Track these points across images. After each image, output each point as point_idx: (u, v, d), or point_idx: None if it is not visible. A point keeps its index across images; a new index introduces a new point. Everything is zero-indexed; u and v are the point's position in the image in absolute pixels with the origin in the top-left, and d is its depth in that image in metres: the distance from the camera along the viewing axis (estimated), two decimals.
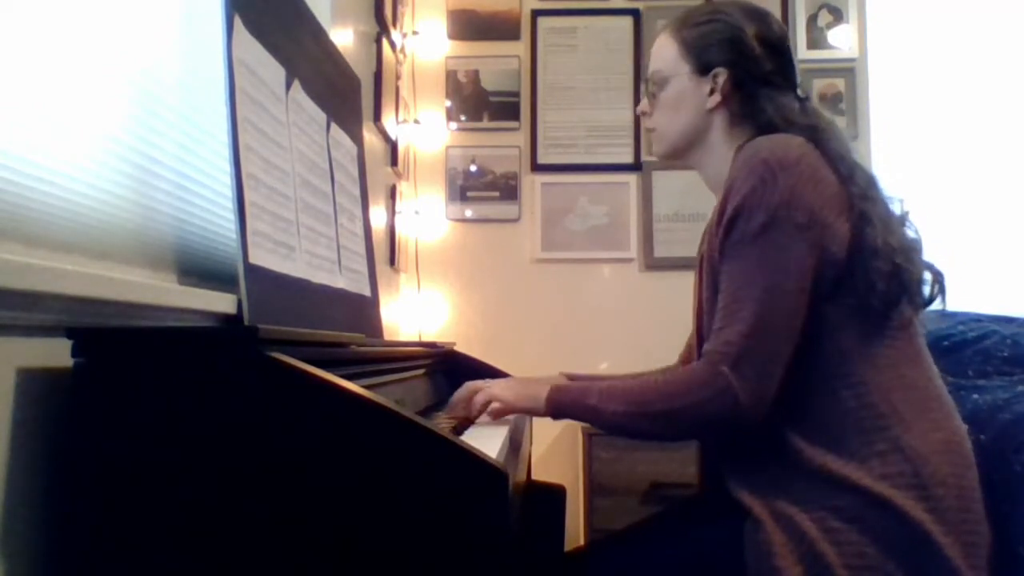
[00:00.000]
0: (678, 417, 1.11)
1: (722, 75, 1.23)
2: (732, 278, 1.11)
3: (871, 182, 1.16)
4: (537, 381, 1.28)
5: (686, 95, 1.26)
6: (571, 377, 1.47)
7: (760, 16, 1.27)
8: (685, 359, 1.48)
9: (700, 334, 1.28)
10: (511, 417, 1.37)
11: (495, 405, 1.26)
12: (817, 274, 1.10)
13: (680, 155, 1.31)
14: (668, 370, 1.46)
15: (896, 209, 1.17)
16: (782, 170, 1.10)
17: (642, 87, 1.34)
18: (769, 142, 1.15)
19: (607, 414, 1.14)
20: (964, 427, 1.14)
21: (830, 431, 1.10)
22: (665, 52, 1.29)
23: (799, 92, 1.26)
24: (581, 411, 1.18)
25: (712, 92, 1.24)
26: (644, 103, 1.33)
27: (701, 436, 1.28)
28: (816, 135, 1.17)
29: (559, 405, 1.20)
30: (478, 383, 1.32)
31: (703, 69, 1.25)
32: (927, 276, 1.16)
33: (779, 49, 1.25)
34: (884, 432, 1.08)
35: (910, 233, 1.17)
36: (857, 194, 1.12)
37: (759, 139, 1.17)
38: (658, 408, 1.12)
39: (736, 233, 1.11)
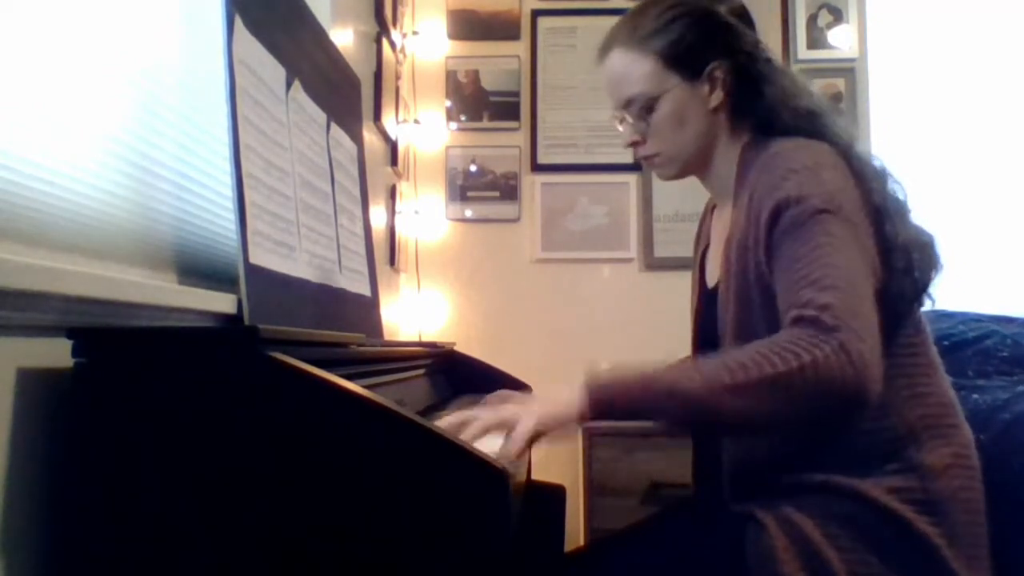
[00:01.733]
0: (794, 384, 0.90)
1: (719, 68, 1.15)
2: (800, 254, 0.99)
3: (882, 175, 1.12)
4: (563, 390, 1.01)
5: (686, 106, 1.16)
6: None
7: None
8: None
9: (699, 338, 1.26)
10: None
11: (526, 441, 0.97)
12: None
13: (692, 170, 1.22)
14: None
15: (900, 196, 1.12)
16: (823, 169, 1.05)
17: (619, 115, 1.20)
18: (797, 150, 1.08)
19: (692, 393, 0.92)
20: (971, 434, 1.12)
21: (845, 455, 1.06)
22: (636, 70, 1.16)
23: (764, 50, 1.18)
24: (647, 399, 0.95)
25: (712, 91, 1.15)
26: (630, 132, 1.19)
27: (817, 413, 0.97)
28: (819, 122, 1.12)
29: (606, 399, 0.97)
30: (506, 413, 1.00)
31: (694, 72, 1.15)
32: (922, 254, 1.10)
33: (747, 16, 1.18)
34: (898, 453, 1.06)
35: (916, 223, 1.12)
36: (876, 189, 1.08)
37: (782, 144, 1.10)
38: (770, 373, 0.90)
39: (787, 219, 1.01)
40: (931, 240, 1.12)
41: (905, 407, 1.07)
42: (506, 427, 0.99)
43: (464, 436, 0.96)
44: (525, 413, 0.99)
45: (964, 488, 1.07)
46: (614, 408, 0.98)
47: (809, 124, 1.13)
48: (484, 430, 0.98)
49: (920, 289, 1.09)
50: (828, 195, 1.02)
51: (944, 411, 1.10)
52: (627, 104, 1.18)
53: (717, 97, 1.16)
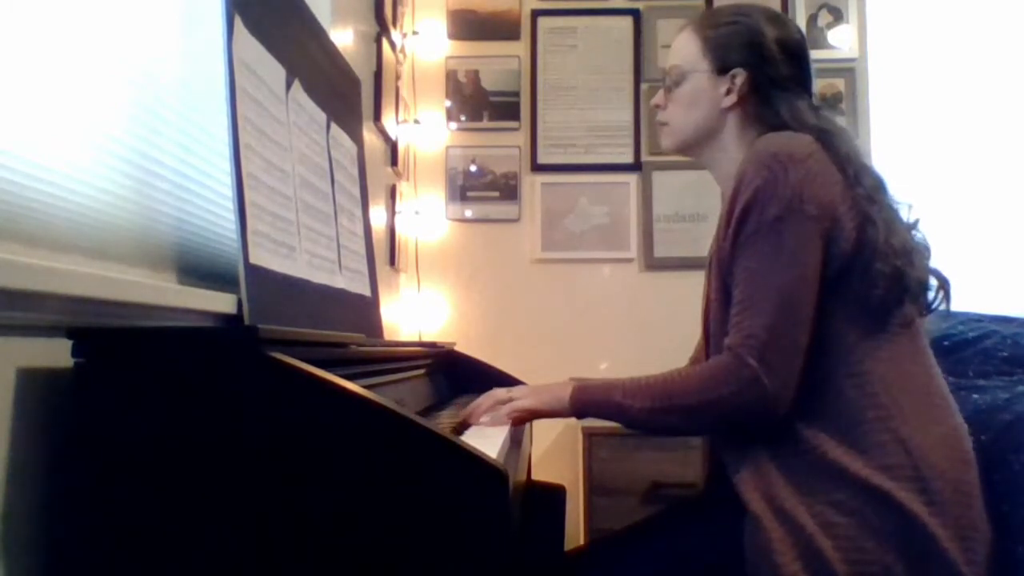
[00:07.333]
0: (706, 411, 1.12)
1: (740, 76, 1.26)
2: (749, 271, 1.12)
3: (878, 185, 1.17)
4: (556, 384, 1.25)
5: (702, 93, 1.28)
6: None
7: (781, 21, 1.30)
8: (695, 362, 1.46)
9: (707, 334, 1.28)
10: None
11: (517, 414, 1.24)
12: (824, 265, 1.12)
13: (689, 151, 1.34)
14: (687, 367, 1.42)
15: (904, 213, 1.19)
16: (792, 163, 1.12)
17: (662, 81, 1.36)
18: (778, 138, 1.17)
19: (633, 411, 1.15)
20: (964, 425, 1.15)
21: (833, 419, 1.11)
22: (686, 48, 1.31)
23: (814, 100, 1.28)
24: (606, 409, 1.18)
25: (728, 92, 1.27)
26: (660, 95, 1.35)
27: (728, 430, 1.21)
28: (825, 137, 1.18)
29: (583, 404, 1.20)
30: (500, 392, 1.28)
31: (722, 69, 1.27)
32: (933, 282, 1.18)
33: (797, 55, 1.28)
34: (885, 423, 1.09)
35: (917, 236, 1.18)
36: (863, 195, 1.14)
37: (768, 135, 1.19)
38: (686, 403, 1.13)
39: (750, 225, 1.12)
40: (920, 249, 1.18)
41: (887, 379, 1.11)
42: (501, 404, 1.25)
43: (463, 416, 1.27)
44: (522, 394, 1.26)
45: (954, 469, 1.09)
46: (586, 413, 1.21)
47: (816, 137, 1.18)
48: (479, 408, 1.27)
49: (903, 292, 1.13)
50: (788, 198, 1.11)
51: (928, 392, 1.14)
52: (667, 71, 1.34)
53: (730, 99, 1.27)
